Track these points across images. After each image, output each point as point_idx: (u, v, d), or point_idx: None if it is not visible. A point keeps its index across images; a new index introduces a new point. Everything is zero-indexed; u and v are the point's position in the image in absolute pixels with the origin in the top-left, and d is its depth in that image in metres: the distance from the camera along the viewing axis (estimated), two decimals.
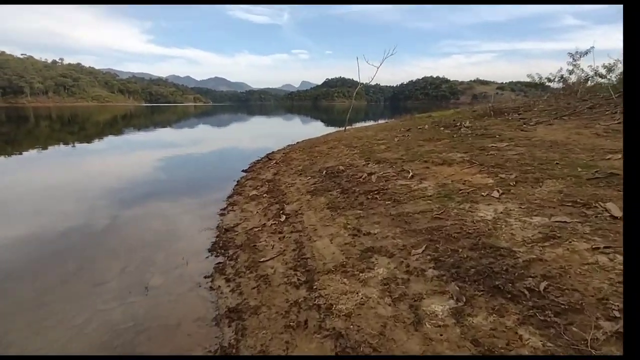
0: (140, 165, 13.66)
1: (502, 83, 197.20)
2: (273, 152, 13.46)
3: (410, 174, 6.15)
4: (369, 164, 7.54)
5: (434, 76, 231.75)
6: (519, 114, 11.65)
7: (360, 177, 6.61)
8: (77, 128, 37.99)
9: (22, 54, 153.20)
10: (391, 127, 13.99)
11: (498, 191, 4.74)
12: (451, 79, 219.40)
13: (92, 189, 9.53)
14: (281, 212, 6.09)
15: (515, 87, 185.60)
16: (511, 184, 4.94)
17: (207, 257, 5.06)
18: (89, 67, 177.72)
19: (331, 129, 28.71)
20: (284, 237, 5.13)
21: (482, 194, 4.78)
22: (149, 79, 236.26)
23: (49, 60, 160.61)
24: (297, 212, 5.89)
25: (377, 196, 5.52)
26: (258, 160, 12.24)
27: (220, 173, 11.10)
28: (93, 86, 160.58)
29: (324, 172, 7.64)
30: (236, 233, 5.72)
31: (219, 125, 44.93)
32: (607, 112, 8.96)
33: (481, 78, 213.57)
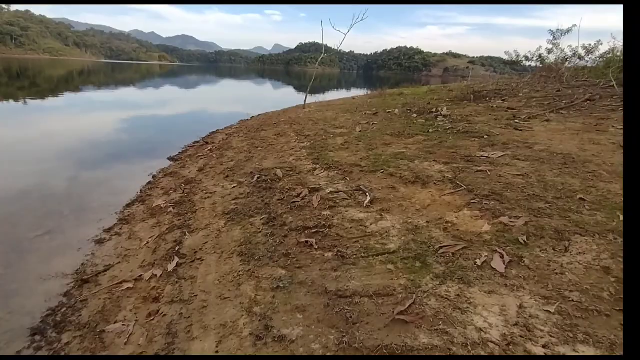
0: (69, 133, 10.91)
1: (473, 57, 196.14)
2: (216, 132, 11.08)
3: (368, 198, 4.14)
4: (316, 169, 5.45)
5: (408, 47, 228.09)
6: (502, 100, 9.79)
7: (299, 195, 4.55)
8: (27, 83, 34.36)
9: None
10: (357, 106, 11.83)
11: (502, 257, 2.83)
12: (425, 51, 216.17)
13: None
14: (176, 250, 3.99)
15: (485, 62, 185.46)
16: (521, 240, 3.03)
17: (19, 351, 2.95)
18: (40, 15, 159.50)
19: (302, 96, 26.43)
20: (156, 312, 3.07)
21: (477, 260, 2.85)
22: (109, 33, 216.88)
23: None
24: (196, 255, 3.81)
25: (314, 240, 3.50)
26: (195, 142, 9.91)
27: (148, 155, 8.73)
28: (45, 37, 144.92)
29: (255, 177, 5.51)
30: (96, 290, 3.59)
31: (186, 87, 41.67)
32: (613, 108, 7.20)
33: (454, 51, 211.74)
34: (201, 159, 7.62)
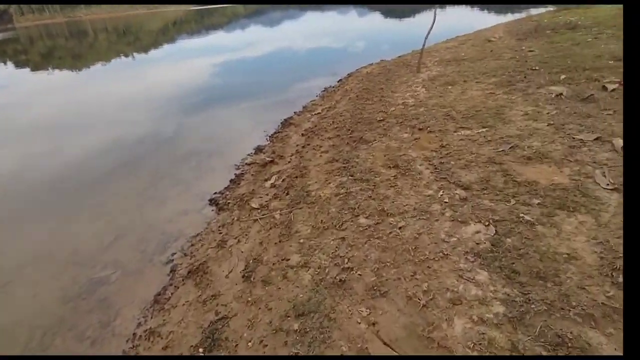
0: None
1: None
2: (290, 123, 7.19)
3: None
4: None
5: None
6: None
7: None
8: (132, 39, 36.44)
9: None
10: (514, 63, 6.70)
11: None
12: None
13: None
14: None
15: None
16: None
17: None
18: None
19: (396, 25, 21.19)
20: None
21: None
22: None
23: None
24: None
25: None
26: (258, 150, 6.34)
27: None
28: None
29: None
30: None
31: (270, 25, 39.68)
32: None
33: None
34: (255, 220, 4.01)
